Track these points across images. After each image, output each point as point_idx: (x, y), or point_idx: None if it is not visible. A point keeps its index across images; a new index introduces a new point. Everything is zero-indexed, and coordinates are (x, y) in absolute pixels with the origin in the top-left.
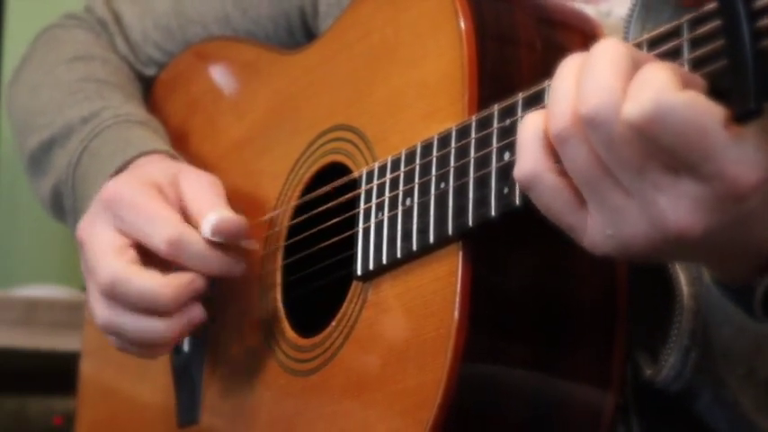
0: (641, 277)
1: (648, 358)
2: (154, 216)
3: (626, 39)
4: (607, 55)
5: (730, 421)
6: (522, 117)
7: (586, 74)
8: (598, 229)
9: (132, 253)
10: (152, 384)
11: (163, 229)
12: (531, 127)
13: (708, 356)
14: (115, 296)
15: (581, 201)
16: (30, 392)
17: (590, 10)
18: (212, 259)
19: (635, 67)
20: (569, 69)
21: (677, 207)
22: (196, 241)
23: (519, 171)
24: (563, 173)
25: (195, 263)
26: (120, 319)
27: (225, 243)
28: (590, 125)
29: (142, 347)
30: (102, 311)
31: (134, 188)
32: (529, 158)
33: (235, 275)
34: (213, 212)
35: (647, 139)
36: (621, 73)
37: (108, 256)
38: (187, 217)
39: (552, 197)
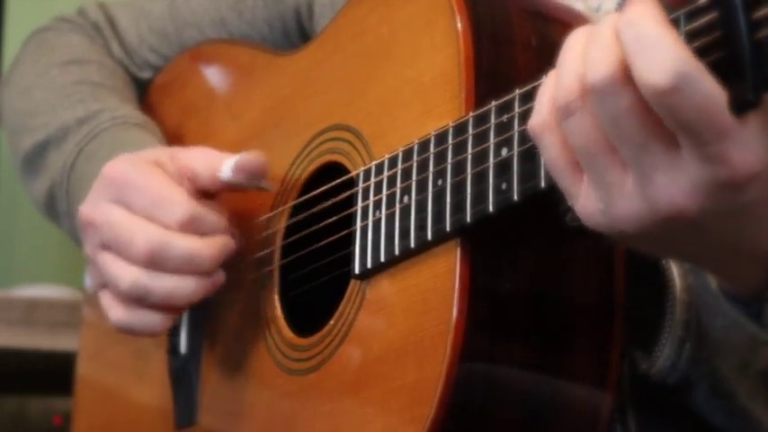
0: (634, 271)
1: (643, 353)
2: (163, 197)
3: None
4: (613, 26)
5: (727, 412)
6: (519, 113)
7: (593, 43)
8: (591, 200)
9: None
10: (149, 386)
11: (176, 210)
12: (551, 83)
13: (703, 348)
14: (158, 260)
15: (580, 167)
16: (30, 392)
17: (580, 5)
18: (225, 230)
19: None
20: (576, 40)
21: (673, 186)
22: (208, 214)
23: (532, 120)
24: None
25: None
26: (155, 279)
27: (244, 184)
28: (597, 95)
29: (159, 312)
30: (131, 274)
31: (137, 167)
32: (542, 110)
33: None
34: (230, 158)
35: (668, 106)
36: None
37: (141, 224)
38: (196, 181)
39: (554, 155)
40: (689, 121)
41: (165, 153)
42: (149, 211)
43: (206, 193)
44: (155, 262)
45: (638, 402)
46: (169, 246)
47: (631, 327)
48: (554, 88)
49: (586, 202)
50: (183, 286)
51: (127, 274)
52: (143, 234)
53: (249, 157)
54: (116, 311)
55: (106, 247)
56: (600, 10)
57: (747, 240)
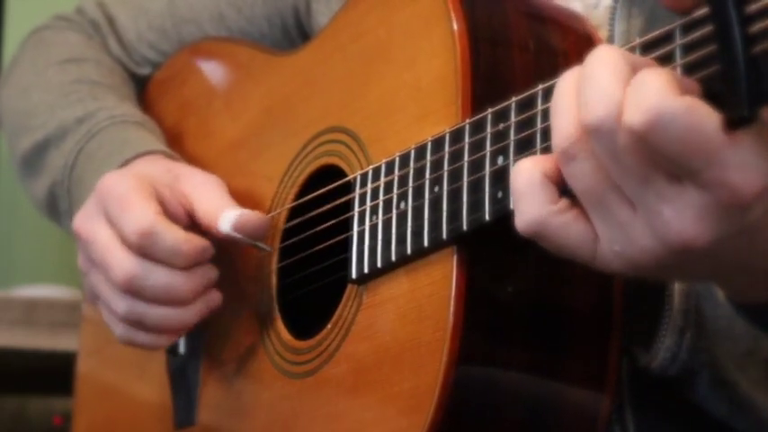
0: None
1: (643, 348)
2: (129, 207)
3: (611, 29)
4: (604, 61)
5: (730, 402)
6: (515, 122)
7: (586, 83)
8: (607, 247)
9: None
10: (149, 386)
11: (136, 220)
12: (525, 174)
13: (703, 336)
14: (133, 290)
15: (590, 229)
16: (30, 392)
17: (577, 3)
18: (181, 255)
19: (633, 71)
20: (567, 84)
21: (681, 217)
22: (169, 234)
23: (522, 222)
24: (567, 208)
25: (165, 256)
26: (140, 309)
27: (240, 240)
28: (595, 135)
29: (160, 334)
30: (119, 302)
31: (126, 182)
32: (530, 206)
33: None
34: (232, 209)
35: (648, 146)
36: (621, 79)
37: (117, 253)
38: (194, 217)
39: (563, 237)
40: (675, 155)
41: (165, 178)
42: (117, 218)
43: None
44: (132, 291)
45: (636, 401)
46: (147, 277)
47: (630, 321)
48: (535, 172)
49: (603, 252)
50: (170, 314)
51: (120, 303)
52: (119, 263)
53: (251, 217)
54: (117, 328)
55: (94, 265)
56: (598, 6)
57: (761, 254)
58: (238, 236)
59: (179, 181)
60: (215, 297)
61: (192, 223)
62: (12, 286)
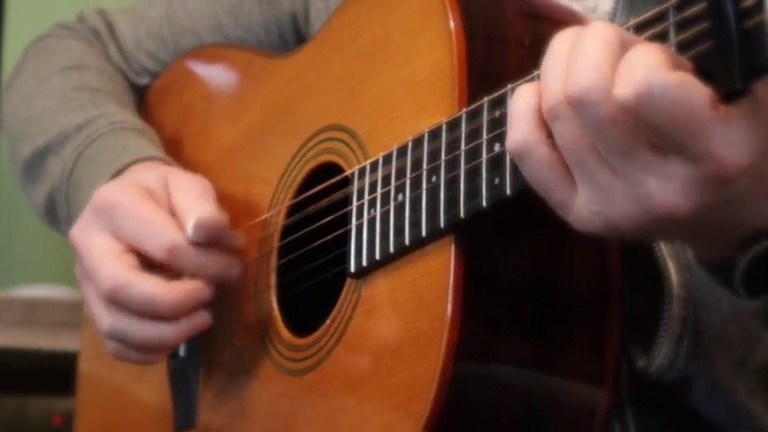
0: (630, 268)
1: (641, 351)
2: (150, 222)
3: None
4: (597, 35)
5: (727, 409)
6: None
7: (576, 54)
8: (585, 205)
9: (130, 257)
10: (149, 388)
11: (161, 236)
12: (523, 98)
13: (700, 344)
14: (118, 301)
15: (570, 177)
16: (30, 392)
17: (576, 6)
18: (210, 264)
19: (624, 48)
20: (561, 45)
21: (665, 188)
22: (194, 247)
23: (511, 140)
24: (554, 147)
25: (194, 268)
26: (124, 324)
27: (210, 242)
28: (578, 106)
29: (146, 352)
30: (104, 317)
31: (127, 193)
32: (521, 129)
33: (232, 279)
34: (194, 212)
35: (637, 119)
36: (610, 54)
37: (107, 262)
38: (175, 219)
39: (542, 170)
40: (663, 128)
41: (157, 181)
42: (137, 234)
43: None
44: (116, 302)
45: (636, 400)
46: (129, 287)
47: (628, 324)
48: (533, 100)
49: (580, 208)
50: (154, 331)
51: (105, 319)
52: (108, 271)
53: (207, 219)
54: (108, 344)
55: (86, 277)
56: (596, 10)
57: (737, 222)
58: (200, 239)
59: (168, 185)
60: (203, 318)
61: None
62: (12, 286)
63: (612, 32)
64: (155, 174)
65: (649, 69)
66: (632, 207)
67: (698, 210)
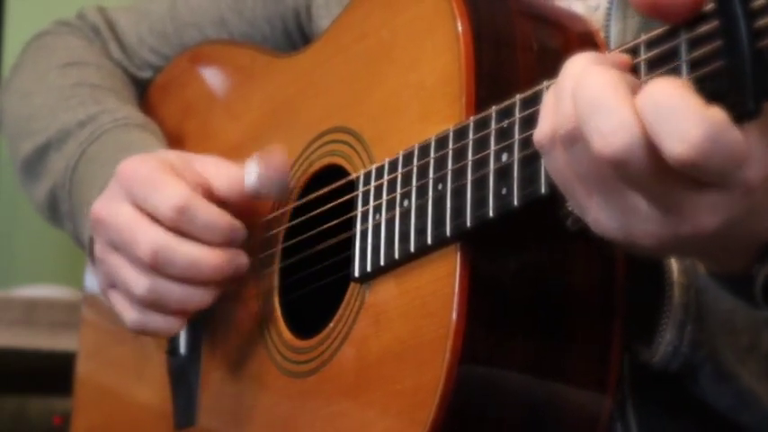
0: (629, 260)
1: (643, 344)
2: (160, 185)
3: (606, 31)
4: (610, 87)
5: (733, 395)
6: (519, 119)
7: (596, 111)
8: (604, 217)
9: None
10: (149, 387)
11: (170, 197)
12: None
13: (704, 329)
14: (161, 264)
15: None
16: (30, 392)
17: (579, 5)
18: (219, 228)
19: (633, 90)
20: (576, 68)
21: (696, 212)
22: (204, 208)
23: (538, 132)
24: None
25: (202, 231)
26: (166, 287)
27: (263, 193)
28: (617, 165)
29: (176, 316)
30: (140, 282)
31: (148, 164)
32: (548, 123)
33: (238, 243)
34: (252, 164)
35: (695, 169)
36: (629, 102)
37: (144, 227)
38: (212, 193)
39: (562, 169)
40: (714, 170)
41: (179, 157)
42: (148, 198)
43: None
44: (158, 265)
45: (638, 397)
46: (173, 249)
47: (630, 317)
48: (555, 111)
49: (599, 216)
50: (195, 293)
51: (140, 281)
52: (146, 236)
53: (272, 153)
54: (130, 314)
55: (115, 248)
56: (599, 9)
57: (748, 233)
58: (262, 187)
59: (191, 162)
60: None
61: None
62: (12, 286)
63: (620, 78)
64: (176, 153)
65: (703, 121)
66: (658, 229)
67: (725, 225)
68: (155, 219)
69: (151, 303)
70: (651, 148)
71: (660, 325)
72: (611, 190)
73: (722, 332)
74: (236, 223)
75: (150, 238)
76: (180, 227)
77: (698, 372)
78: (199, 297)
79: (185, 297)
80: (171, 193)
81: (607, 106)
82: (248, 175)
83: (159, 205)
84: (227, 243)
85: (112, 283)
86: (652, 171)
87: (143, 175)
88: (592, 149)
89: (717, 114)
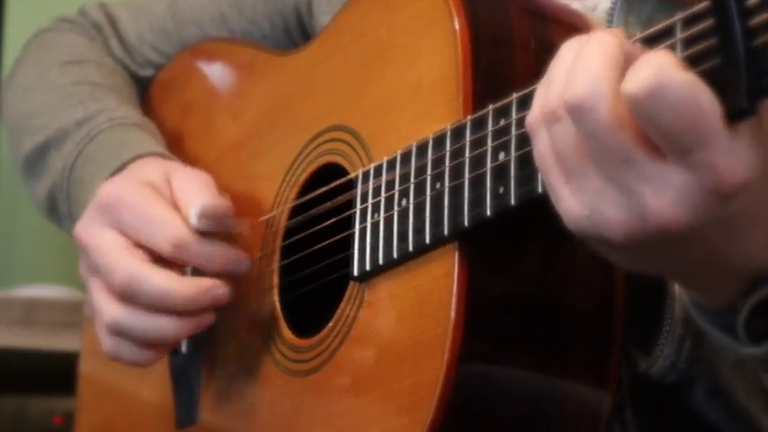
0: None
1: (642, 353)
2: (155, 218)
3: None
4: (599, 45)
5: (727, 411)
6: (516, 119)
7: (577, 61)
8: (576, 204)
9: (141, 252)
10: (150, 386)
11: (166, 231)
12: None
13: (701, 346)
14: (132, 294)
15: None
16: (30, 392)
17: (576, 4)
18: (216, 257)
19: (627, 60)
20: (567, 52)
21: (661, 197)
22: (200, 240)
23: (529, 116)
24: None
25: (201, 262)
26: (130, 317)
27: (215, 230)
28: (576, 112)
29: (142, 348)
30: (109, 310)
31: (131, 189)
32: (538, 105)
33: (240, 273)
34: (196, 201)
35: (645, 113)
36: (611, 63)
37: (119, 255)
38: (179, 213)
39: (545, 153)
40: (668, 126)
41: (159, 176)
42: (142, 230)
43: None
44: (129, 295)
45: (636, 401)
46: (144, 280)
47: (630, 326)
48: (544, 94)
49: (570, 204)
50: (159, 325)
51: (109, 309)
52: (122, 264)
53: (211, 205)
54: (105, 342)
55: (95, 273)
56: (596, 9)
57: (728, 254)
58: (204, 227)
59: (170, 180)
60: (206, 317)
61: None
62: (12, 286)
63: (614, 41)
64: (157, 168)
65: (661, 66)
66: (625, 216)
67: (692, 225)
68: (147, 250)
69: (119, 332)
70: (613, 98)
71: (660, 338)
72: (584, 172)
73: (715, 348)
74: (233, 251)
75: (124, 267)
76: (178, 260)
77: (693, 386)
78: (171, 327)
79: (154, 328)
80: (166, 228)
81: (587, 58)
82: (191, 214)
83: (157, 241)
84: (230, 271)
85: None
86: (609, 123)
87: (129, 203)
88: (563, 104)
89: (682, 70)
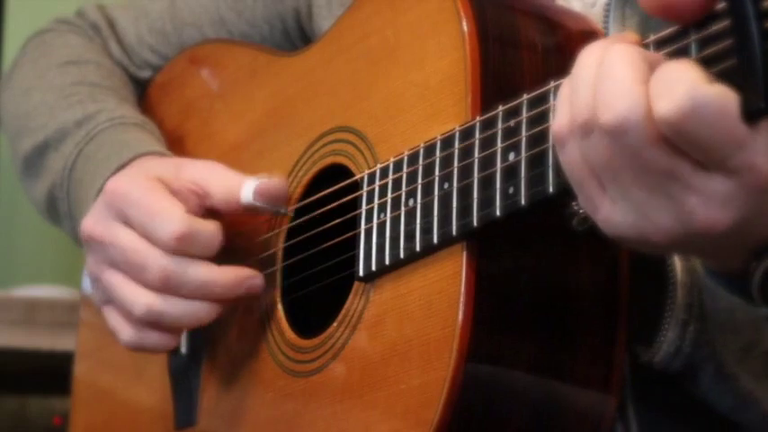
0: (633, 259)
1: (645, 345)
2: (158, 212)
3: (605, 27)
4: (623, 54)
5: (734, 396)
6: (526, 118)
7: (603, 72)
8: (618, 212)
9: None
10: (148, 388)
11: (169, 225)
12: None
13: (706, 329)
14: (173, 286)
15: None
16: (30, 392)
17: (576, 3)
18: (219, 246)
19: (650, 68)
20: (589, 58)
21: (708, 205)
22: (204, 232)
23: (555, 124)
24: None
25: (205, 253)
26: (166, 305)
27: (264, 210)
28: (615, 133)
29: (173, 333)
30: (144, 298)
31: (137, 183)
32: (565, 113)
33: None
34: (251, 179)
35: (680, 135)
36: (640, 77)
37: (150, 250)
38: (209, 199)
39: (576, 163)
40: (707, 141)
41: (169, 168)
42: (146, 225)
43: (213, 212)
44: (169, 287)
45: (639, 397)
46: (182, 272)
47: (632, 316)
48: (571, 102)
49: (611, 214)
50: (194, 311)
51: (140, 299)
52: (156, 261)
53: (271, 181)
54: (126, 332)
55: (114, 266)
56: (596, 5)
57: (757, 233)
58: (259, 204)
59: (182, 170)
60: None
61: (205, 209)
62: (12, 286)
63: (636, 50)
64: (164, 163)
65: (690, 83)
66: (670, 223)
67: (737, 222)
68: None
69: (150, 322)
70: (651, 117)
71: (662, 324)
72: (625, 183)
73: (722, 332)
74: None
75: (160, 263)
76: (182, 251)
77: (699, 372)
78: (204, 313)
79: (188, 314)
80: (168, 221)
81: (616, 76)
82: (244, 191)
83: (160, 236)
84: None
85: (108, 300)
86: (651, 141)
87: (135, 198)
88: (600, 126)
89: (710, 85)
